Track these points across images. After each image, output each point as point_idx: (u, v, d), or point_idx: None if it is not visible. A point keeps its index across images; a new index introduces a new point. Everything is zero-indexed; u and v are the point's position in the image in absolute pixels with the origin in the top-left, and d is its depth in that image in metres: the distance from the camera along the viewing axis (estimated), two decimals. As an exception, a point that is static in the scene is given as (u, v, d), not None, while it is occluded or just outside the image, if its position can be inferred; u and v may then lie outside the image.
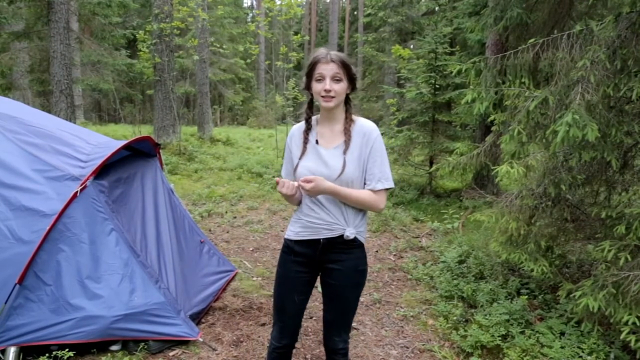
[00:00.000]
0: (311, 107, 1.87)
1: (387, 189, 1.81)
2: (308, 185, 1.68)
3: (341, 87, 1.73)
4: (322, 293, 1.97)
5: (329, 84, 1.71)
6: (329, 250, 1.84)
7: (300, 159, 1.83)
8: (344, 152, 1.78)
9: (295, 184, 1.73)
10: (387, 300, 3.71)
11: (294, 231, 1.88)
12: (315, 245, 1.84)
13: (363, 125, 1.82)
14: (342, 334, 1.96)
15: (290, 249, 1.89)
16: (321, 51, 1.76)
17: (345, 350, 1.97)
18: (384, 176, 1.80)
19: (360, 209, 1.84)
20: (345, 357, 1.98)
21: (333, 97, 1.72)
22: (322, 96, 1.73)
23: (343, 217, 1.80)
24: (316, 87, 1.74)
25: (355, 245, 1.85)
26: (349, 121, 1.82)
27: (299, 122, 1.95)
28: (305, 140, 1.84)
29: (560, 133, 2.41)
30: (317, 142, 1.83)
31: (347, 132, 1.80)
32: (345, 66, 1.73)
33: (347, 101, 1.83)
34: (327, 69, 1.71)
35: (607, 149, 2.71)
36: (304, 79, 1.81)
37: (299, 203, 1.89)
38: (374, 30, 21.83)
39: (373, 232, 5.62)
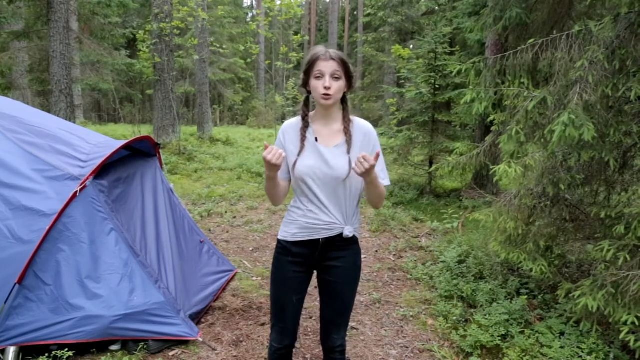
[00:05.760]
0: (307, 105, 1.85)
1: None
2: (371, 161, 1.58)
3: (340, 86, 1.73)
4: (319, 291, 1.97)
5: (329, 81, 1.70)
6: (328, 249, 1.84)
7: (298, 155, 1.79)
8: (348, 152, 1.77)
9: (283, 154, 1.62)
10: (387, 300, 3.71)
11: (290, 232, 1.85)
12: (314, 245, 1.83)
13: (362, 125, 1.83)
14: (341, 331, 1.96)
15: (287, 250, 1.87)
16: (320, 49, 1.75)
17: (343, 347, 1.97)
18: (385, 175, 1.85)
19: (357, 206, 1.86)
20: (342, 354, 1.98)
21: (332, 94, 1.71)
22: (322, 94, 1.71)
23: (342, 217, 1.81)
24: (315, 84, 1.72)
25: (353, 242, 1.87)
26: (347, 121, 1.81)
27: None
28: (303, 138, 1.80)
29: (556, 132, 2.42)
30: (316, 139, 1.80)
31: (347, 132, 1.80)
32: (344, 64, 1.73)
33: (343, 100, 1.83)
34: (327, 67, 1.70)
35: (605, 149, 2.72)
36: (302, 76, 1.80)
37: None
38: (374, 30, 21.85)
39: (373, 232, 5.62)
